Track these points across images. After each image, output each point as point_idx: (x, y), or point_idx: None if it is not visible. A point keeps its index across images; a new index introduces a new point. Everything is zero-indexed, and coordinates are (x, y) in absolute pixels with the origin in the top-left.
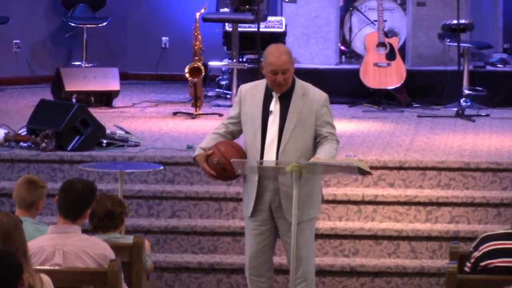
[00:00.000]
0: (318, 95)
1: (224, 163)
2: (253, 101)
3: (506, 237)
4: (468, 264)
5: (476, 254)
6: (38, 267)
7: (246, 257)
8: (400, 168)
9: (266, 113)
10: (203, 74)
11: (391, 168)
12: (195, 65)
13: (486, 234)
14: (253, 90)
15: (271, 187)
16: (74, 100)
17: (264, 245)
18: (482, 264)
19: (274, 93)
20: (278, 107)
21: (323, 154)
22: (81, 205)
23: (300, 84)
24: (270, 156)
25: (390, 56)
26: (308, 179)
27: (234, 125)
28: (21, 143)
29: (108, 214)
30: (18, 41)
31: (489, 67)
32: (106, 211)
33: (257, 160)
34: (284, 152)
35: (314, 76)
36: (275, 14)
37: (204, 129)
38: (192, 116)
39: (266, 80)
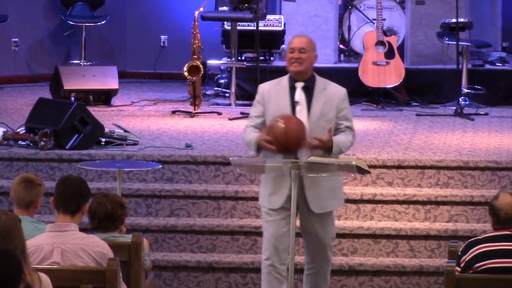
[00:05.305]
0: (338, 89)
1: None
2: (278, 97)
3: (491, 240)
4: (458, 269)
5: (466, 257)
6: (37, 266)
7: (266, 247)
8: (399, 167)
9: (293, 103)
10: (202, 72)
11: (389, 167)
12: (194, 64)
13: (471, 239)
14: (276, 87)
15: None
16: (72, 98)
17: (287, 230)
18: (475, 266)
19: (297, 84)
20: (303, 97)
21: (336, 140)
22: (79, 197)
23: (320, 80)
24: None
25: (389, 54)
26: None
27: (263, 124)
28: (19, 142)
29: (108, 216)
30: (16, 39)
31: (488, 66)
32: (106, 213)
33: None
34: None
35: None
36: (274, 13)
37: (202, 128)
38: (190, 114)
39: (287, 75)
